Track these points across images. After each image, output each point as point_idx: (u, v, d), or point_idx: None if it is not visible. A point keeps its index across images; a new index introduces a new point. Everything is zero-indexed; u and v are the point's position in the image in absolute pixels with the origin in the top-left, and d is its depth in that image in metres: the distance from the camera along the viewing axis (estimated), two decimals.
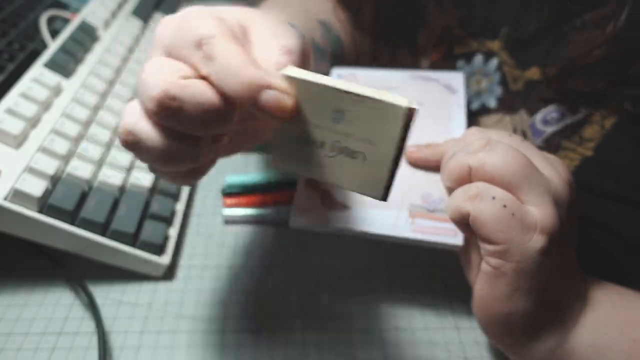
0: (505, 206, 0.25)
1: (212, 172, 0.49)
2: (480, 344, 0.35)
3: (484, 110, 0.44)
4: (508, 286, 0.26)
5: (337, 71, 0.43)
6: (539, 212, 0.26)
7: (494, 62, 0.43)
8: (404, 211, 0.33)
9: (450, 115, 0.39)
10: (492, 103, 0.43)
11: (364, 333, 0.36)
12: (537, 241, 0.25)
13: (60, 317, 0.36)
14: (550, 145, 0.37)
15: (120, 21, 0.54)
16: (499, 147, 0.26)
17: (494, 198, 0.25)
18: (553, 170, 0.28)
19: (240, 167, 0.50)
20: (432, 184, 0.34)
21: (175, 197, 0.43)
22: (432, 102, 0.40)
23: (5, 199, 0.33)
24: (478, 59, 0.44)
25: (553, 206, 0.26)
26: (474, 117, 0.45)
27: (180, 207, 0.43)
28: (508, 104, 0.42)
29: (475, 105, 0.45)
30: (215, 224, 0.44)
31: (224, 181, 0.48)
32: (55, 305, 0.37)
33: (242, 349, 0.35)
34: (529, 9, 0.39)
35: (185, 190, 0.45)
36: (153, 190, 0.42)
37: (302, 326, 0.36)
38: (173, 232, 0.41)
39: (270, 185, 0.46)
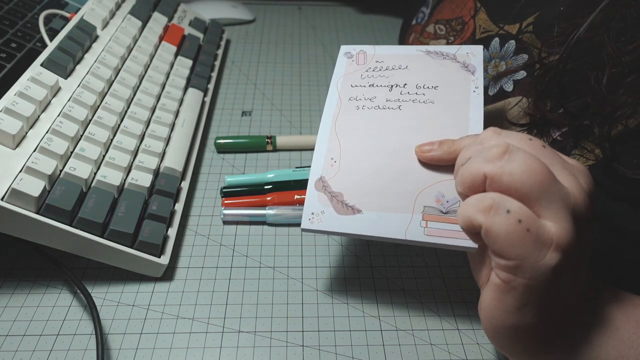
0: (520, 221, 0.24)
1: (211, 172, 0.49)
2: (481, 345, 0.35)
3: (501, 94, 0.42)
4: (517, 301, 0.26)
5: (345, 48, 0.41)
6: (556, 227, 0.24)
7: (511, 44, 0.41)
8: (417, 214, 0.31)
9: (468, 101, 0.36)
10: (509, 87, 0.41)
11: (363, 333, 0.36)
12: (551, 258, 0.24)
13: (58, 319, 0.36)
14: (567, 141, 0.36)
15: (118, 21, 0.53)
16: (518, 157, 0.25)
17: (508, 212, 0.24)
18: (574, 181, 0.26)
19: (240, 168, 0.50)
20: (445, 183, 0.32)
21: (174, 197, 0.43)
22: (448, 84, 0.37)
23: (3, 199, 0.33)
24: (495, 42, 0.43)
25: (570, 221, 0.25)
26: (491, 102, 0.43)
27: (179, 207, 0.43)
28: (527, 87, 0.40)
29: (494, 90, 0.43)
30: (214, 224, 0.44)
31: (223, 181, 0.48)
32: (53, 307, 0.37)
33: (241, 350, 0.35)
34: None
35: (184, 191, 0.45)
36: (152, 190, 0.42)
37: (302, 327, 0.36)
38: (172, 232, 0.41)
39: (268, 186, 0.46)
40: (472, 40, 0.46)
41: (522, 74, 0.41)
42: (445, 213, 0.31)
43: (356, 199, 0.33)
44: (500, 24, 0.43)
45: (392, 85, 0.38)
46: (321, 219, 0.33)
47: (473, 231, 0.26)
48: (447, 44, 0.50)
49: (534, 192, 0.24)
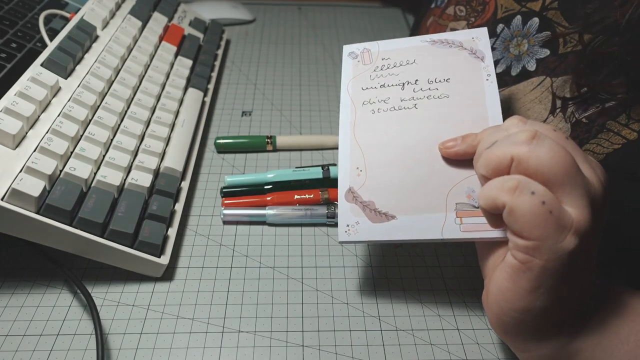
0: (544, 203, 0.25)
1: (211, 172, 0.49)
2: (480, 345, 0.35)
3: (524, 74, 0.42)
4: (531, 283, 0.26)
5: (348, 48, 0.40)
6: (576, 213, 0.25)
7: (534, 22, 0.41)
8: (450, 212, 0.32)
9: (482, 91, 0.35)
10: (531, 66, 0.41)
11: (363, 333, 0.36)
12: (569, 242, 0.25)
13: (58, 319, 0.36)
14: (593, 124, 0.36)
15: (118, 21, 0.53)
16: (546, 143, 0.26)
17: (533, 193, 0.25)
18: (593, 173, 0.27)
19: (240, 168, 0.50)
20: (473, 178, 0.32)
21: (174, 197, 0.43)
22: (459, 75, 0.36)
23: (3, 199, 0.33)
24: (517, 20, 0.42)
25: (590, 209, 0.26)
26: (513, 83, 0.42)
27: (179, 207, 0.43)
28: (552, 67, 0.39)
29: (516, 70, 0.42)
30: (214, 224, 0.44)
31: (223, 181, 0.48)
32: (53, 307, 0.37)
33: (241, 350, 0.35)
34: None
35: (184, 191, 0.45)
36: (152, 190, 0.42)
37: (302, 326, 0.36)
38: (172, 232, 0.41)
39: (268, 186, 0.46)
40: (494, 20, 0.45)
41: (545, 52, 0.40)
42: (477, 207, 0.31)
43: (388, 205, 0.33)
44: (522, 2, 0.42)
45: (403, 83, 0.37)
46: (357, 229, 0.33)
47: (495, 211, 0.27)
48: (468, 25, 0.49)
49: (559, 178, 0.25)
